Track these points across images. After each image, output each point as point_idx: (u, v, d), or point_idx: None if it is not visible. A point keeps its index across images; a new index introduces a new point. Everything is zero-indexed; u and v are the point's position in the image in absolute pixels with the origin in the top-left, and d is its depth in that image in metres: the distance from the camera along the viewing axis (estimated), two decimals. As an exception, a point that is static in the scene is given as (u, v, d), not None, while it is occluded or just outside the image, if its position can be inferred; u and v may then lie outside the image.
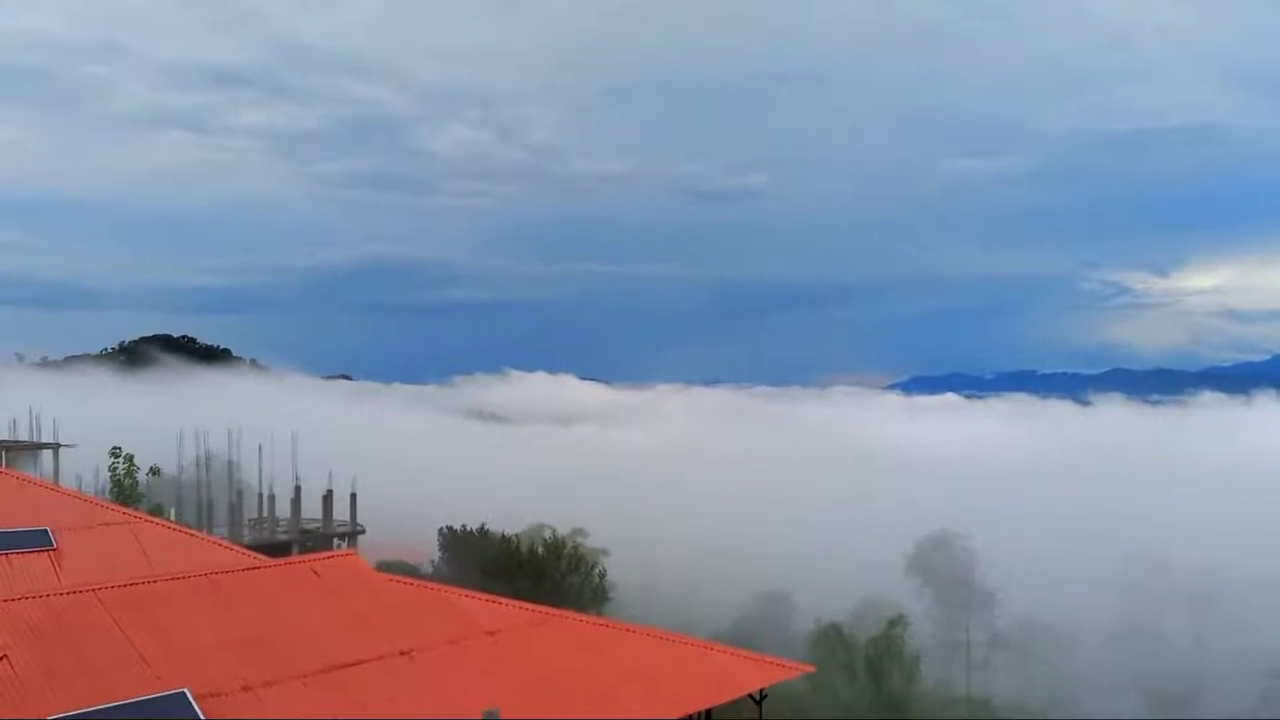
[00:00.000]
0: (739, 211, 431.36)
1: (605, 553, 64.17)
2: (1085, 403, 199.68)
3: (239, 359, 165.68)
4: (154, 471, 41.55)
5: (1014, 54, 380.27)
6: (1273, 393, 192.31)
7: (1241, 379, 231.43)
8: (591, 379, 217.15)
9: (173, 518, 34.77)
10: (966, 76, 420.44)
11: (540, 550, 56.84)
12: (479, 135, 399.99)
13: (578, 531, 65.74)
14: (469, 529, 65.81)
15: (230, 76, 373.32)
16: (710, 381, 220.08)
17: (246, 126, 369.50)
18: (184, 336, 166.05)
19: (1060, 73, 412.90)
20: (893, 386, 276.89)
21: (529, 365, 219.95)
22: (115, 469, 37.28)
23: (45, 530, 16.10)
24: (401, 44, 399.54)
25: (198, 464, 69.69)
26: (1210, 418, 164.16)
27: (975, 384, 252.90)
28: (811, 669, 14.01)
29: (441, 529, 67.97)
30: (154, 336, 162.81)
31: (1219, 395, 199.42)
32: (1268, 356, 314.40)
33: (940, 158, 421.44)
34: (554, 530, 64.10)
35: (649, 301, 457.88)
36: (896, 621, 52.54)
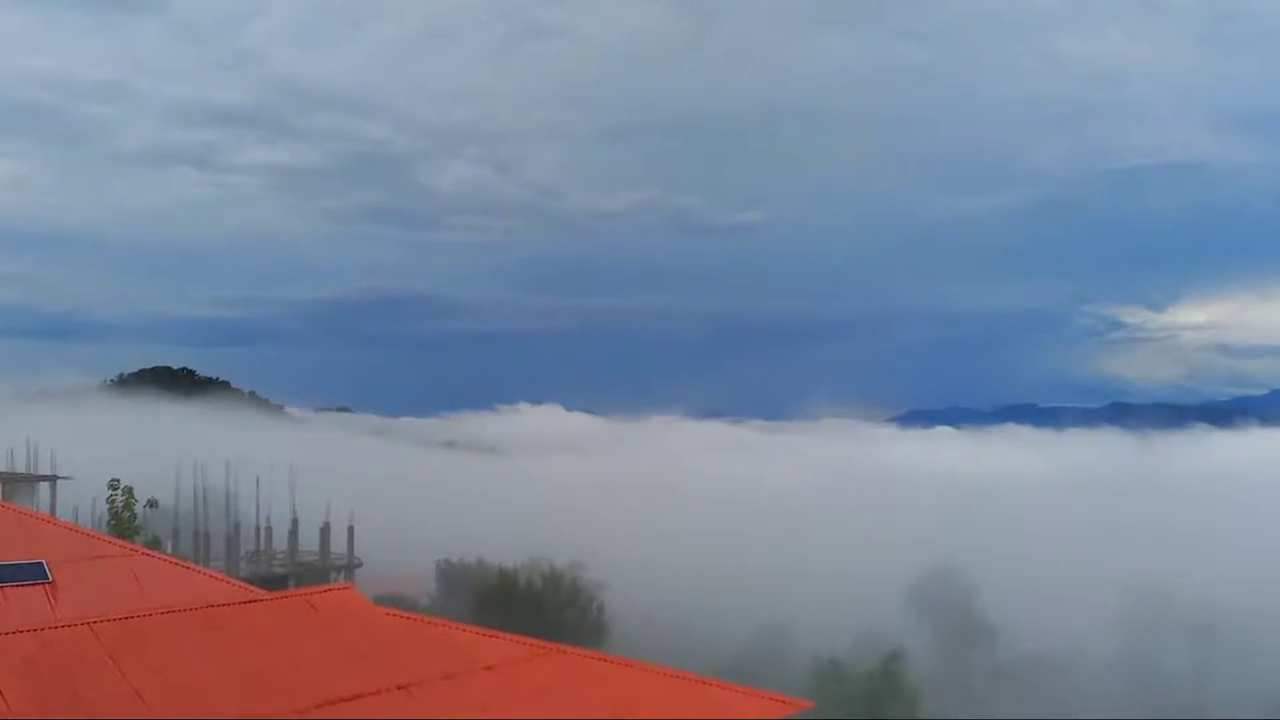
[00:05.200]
0: (737, 246, 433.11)
1: (604, 586, 63.88)
2: (1085, 436, 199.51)
3: (238, 390, 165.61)
4: (152, 504, 41.28)
5: (1006, 94, 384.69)
6: (1270, 428, 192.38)
7: (1239, 413, 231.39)
8: (590, 412, 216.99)
9: (170, 550, 34.61)
10: (960, 115, 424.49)
11: (538, 584, 56.66)
12: (479, 172, 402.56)
13: (576, 565, 65.48)
14: (467, 562, 65.62)
15: (234, 115, 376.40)
16: (708, 414, 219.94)
17: (250, 163, 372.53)
18: (184, 368, 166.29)
19: (1052, 111, 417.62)
20: (891, 419, 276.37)
21: (529, 398, 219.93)
22: (113, 501, 37.04)
23: (41, 563, 16.06)
24: (401, 84, 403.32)
25: (195, 496, 69.63)
26: (1208, 451, 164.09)
27: (974, 417, 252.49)
28: (810, 704, 13.94)
29: (439, 562, 67.76)
30: (154, 368, 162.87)
31: (1217, 429, 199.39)
32: (1264, 391, 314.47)
33: (936, 194, 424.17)
34: (552, 563, 63.87)
35: (647, 335, 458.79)
36: (895, 656, 52.23)
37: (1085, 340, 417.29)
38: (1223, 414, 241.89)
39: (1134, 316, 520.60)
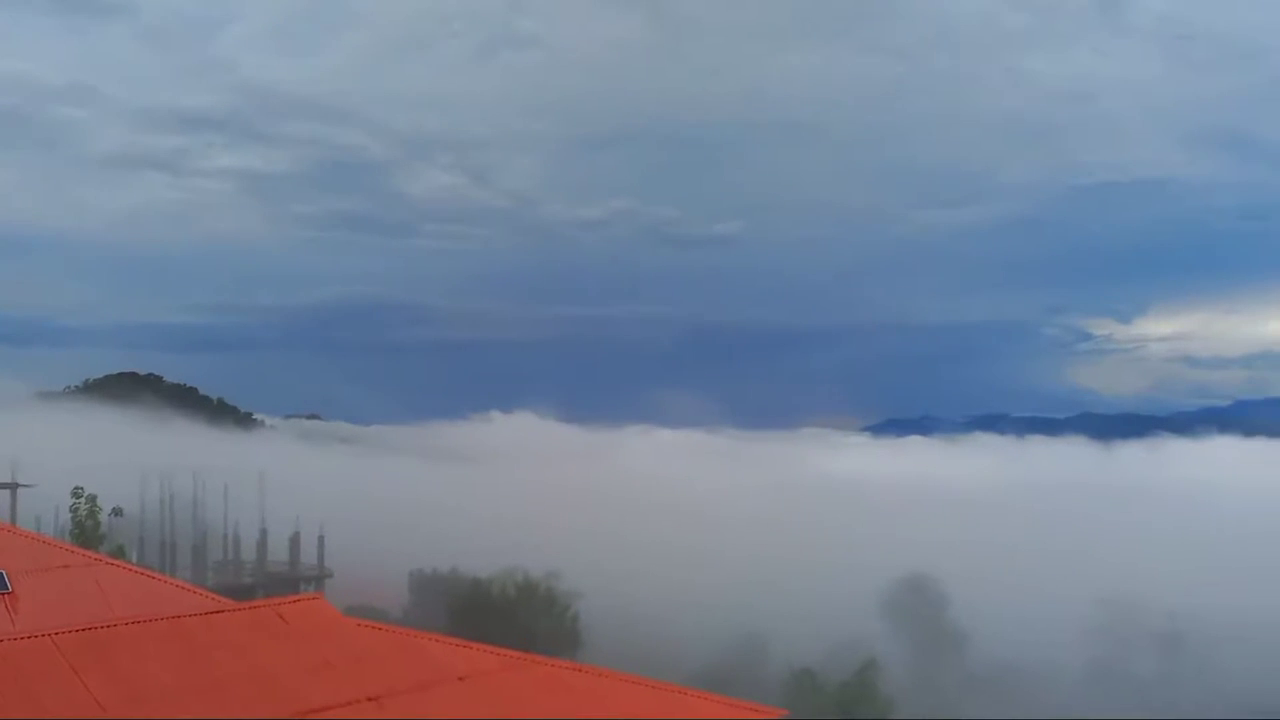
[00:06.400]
0: (714, 257, 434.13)
1: (578, 595, 63.60)
2: (1053, 445, 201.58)
3: (206, 398, 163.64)
4: (116, 512, 40.62)
5: (977, 110, 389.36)
6: (1235, 437, 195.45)
7: (1205, 423, 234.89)
8: (566, 421, 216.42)
9: (135, 560, 34.00)
10: (932, 130, 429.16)
11: (512, 593, 56.32)
12: (454, 179, 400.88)
13: (551, 574, 65.17)
14: (440, 572, 65.13)
15: (205, 121, 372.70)
16: (684, 424, 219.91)
17: (221, 169, 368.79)
18: (151, 374, 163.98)
19: (1022, 128, 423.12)
20: (866, 429, 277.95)
21: (503, 407, 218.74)
22: (76, 509, 36.38)
23: (0, 573, 15.67)
24: (375, 91, 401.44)
25: (161, 505, 68.71)
26: (1175, 461, 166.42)
27: (946, 426, 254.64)
28: (784, 713, 13.89)
29: (412, 572, 67.22)
30: (120, 374, 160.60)
31: (1184, 439, 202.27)
32: (1229, 402, 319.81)
33: (909, 207, 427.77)
34: (526, 573, 63.53)
35: (623, 345, 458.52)
36: (868, 664, 52.35)
37: (1055, 351, 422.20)
38: (1187, 424, 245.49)
39: (1102, 328, 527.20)
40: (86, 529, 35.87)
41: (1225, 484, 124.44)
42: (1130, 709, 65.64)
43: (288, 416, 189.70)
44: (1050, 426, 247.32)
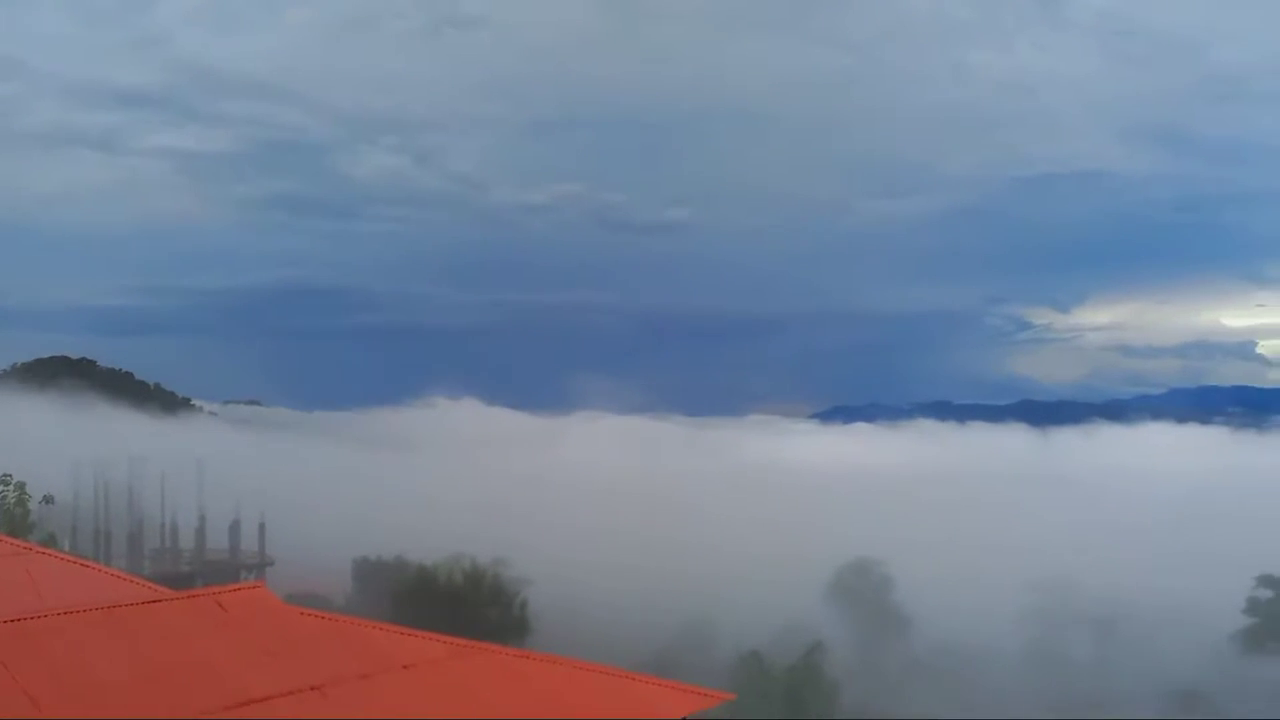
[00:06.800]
0: (662, 244, 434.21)
1: (527, 582, 63.38)
2: (994, 431, 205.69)
3: (142, 383, 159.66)
4: (47, 500, 39.60)
5: (921, 101, 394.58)
6: (1168, 424, 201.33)
7: (1139, 411, 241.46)
8: (513, 407, 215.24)
9: (68, 549, 33.09)
10: (878, 121, 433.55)
11: (459, 580, 55.92)
12: (399, 162, 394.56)
13: (499, 561, 64.83)
14: (384, 559, 64.41)
15: (140, 98, 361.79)
16: (632, 410, 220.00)
17: (157, 148, 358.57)
18: (84, 359, 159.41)
19: (965, 120, 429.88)
20: (814, 416, 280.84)
21: (448, 393, 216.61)
22: (4, 497, 35.39)
23: (-76, 563, 15.05)
24: (317, 70, 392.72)
25: (96, 492, 66.89)
26: (1111, 448, 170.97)
27: (891, 413, 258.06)
28: (732, 697, 13.91)
29: (356, 559, 66.40)
30: (51, 358, 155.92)
31: (1119, 426, 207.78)
32: (1164, 390, 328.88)
33: (856, 197, 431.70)
34: (474, 560, 63.10)
35: (571, 330, 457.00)
36: (815, 648, 53.01)
37: (996, 340, 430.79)
38: (1122, 411, 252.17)
39: (1041, 318, 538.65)
40: (15, 517, 34.90)
41: (1158, 470, 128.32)
42: (1065, 690, 67.40)
43: (227, 402, 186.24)
44: (991, 413, 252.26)
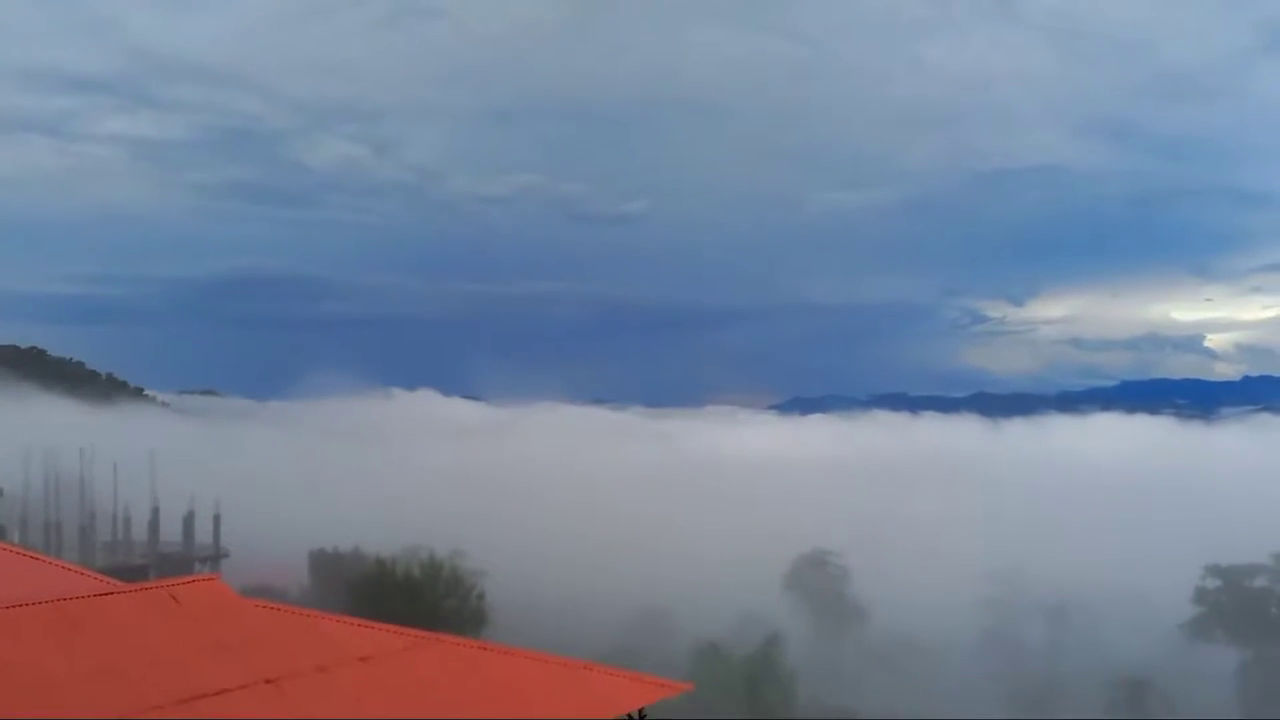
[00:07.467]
0: (621, 235, 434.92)
1: (484, 574, 63.23)
2: (948, 423, 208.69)
3: (94, 372, 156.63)
4: (-5, 492, 38.77)
5: (878, 94, 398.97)
6: (1119, 415, 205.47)
7: (1091, 403, 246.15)
8: (470, 397, 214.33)
9: (17, 541, 32.45)
10: (835, 113, 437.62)
11: (417, 572, 55.65)
12: (356, 150, 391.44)
13: (456, 553, 64.57)
14: (341, 551, 63.89)
15: (91, 83, 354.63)
16: (590, 400, 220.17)
17: (109, 134, 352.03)
18: (33, 348, 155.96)
19: (920, 114, 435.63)
20: (772, 407, 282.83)
21: (406, 383, 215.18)
22: (-49, 490, 34.55)
23: None
24: (273, 57, 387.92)
25: (46, 484, 65.59)
26: (1063, 439, 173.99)
27: (848, 404, 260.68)
28: (689, 687, 14.07)
29: (312, 551, 65.79)
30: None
31: (1070, 417, 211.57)
32: (1115, 382, 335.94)
33: (813, 189, 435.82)
34: (431, 552, 62.81)
35: (529, 321, 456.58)
36: (773, 639, 53.53)
37: (951, 333, 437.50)
38: (1074, 402, 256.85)
39: (996, 310, 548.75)
40: (-38, 510, 34.08)
41: (1110, 461, 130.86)
42: (1018, 679, 68.70)
43: (181, 392, 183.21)
44: (945, 405, 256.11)
